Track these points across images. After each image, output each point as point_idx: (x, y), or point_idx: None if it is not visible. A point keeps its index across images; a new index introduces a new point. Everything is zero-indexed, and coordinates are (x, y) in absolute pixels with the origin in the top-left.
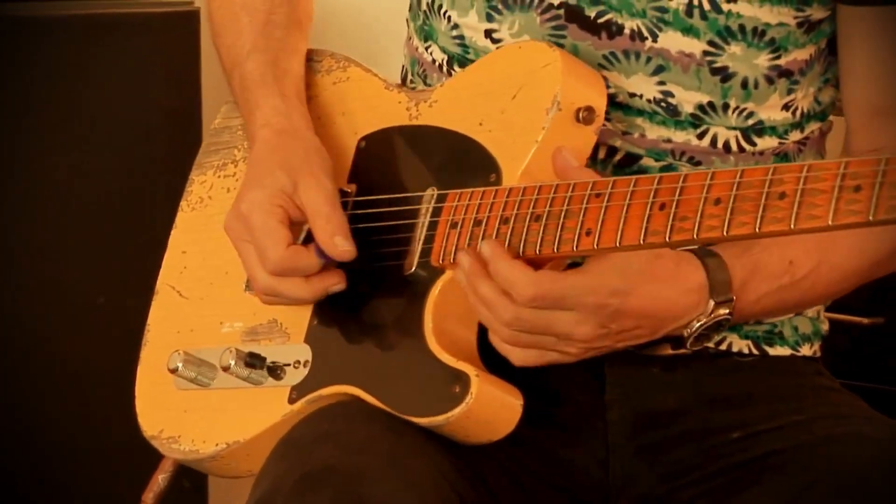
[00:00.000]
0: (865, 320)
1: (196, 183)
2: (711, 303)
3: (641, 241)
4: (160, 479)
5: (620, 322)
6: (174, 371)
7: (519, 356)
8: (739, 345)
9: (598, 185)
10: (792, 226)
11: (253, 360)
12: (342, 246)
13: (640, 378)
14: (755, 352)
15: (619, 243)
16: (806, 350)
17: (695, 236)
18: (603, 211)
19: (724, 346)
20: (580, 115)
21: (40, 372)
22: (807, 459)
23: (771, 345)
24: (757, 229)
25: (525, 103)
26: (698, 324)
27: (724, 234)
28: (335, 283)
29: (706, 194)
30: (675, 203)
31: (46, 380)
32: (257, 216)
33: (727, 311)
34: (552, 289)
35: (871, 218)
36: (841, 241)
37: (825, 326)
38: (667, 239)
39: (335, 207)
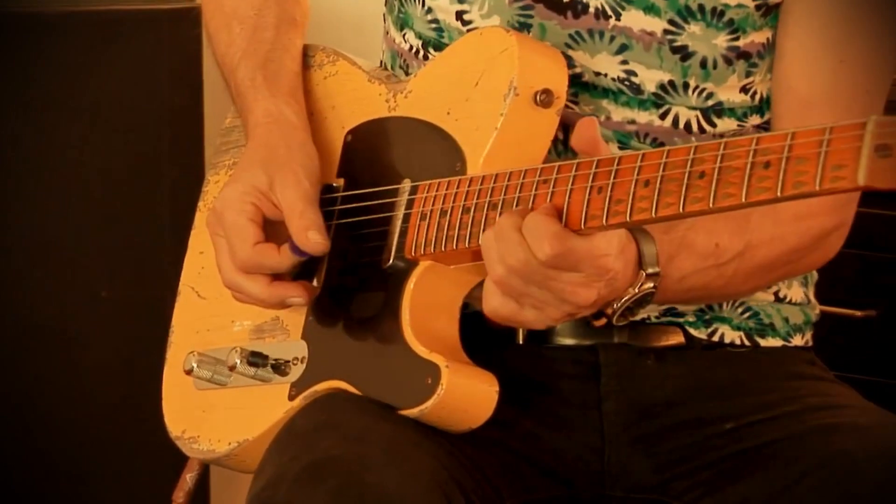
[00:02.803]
0: (858, 313)
1: (211, 183)
2: (643, 274)
3: (582, 226)
4: (188, 478)
5: (609, 289)
6: (189, 372)
7: (494, 304)
8: (731, 336)
9: (545, 171)
10: (711, 204)
11: (256, 359)
12: (314, 238)
13: (635, 369)
14: (747, 343)
15: None
16: (797, 340)
17: (627, 218)
18: (549, 197)
19: (716, 338)
20: (538, 98)
21: (43, 365)
22: (800, 449)
23: (763, 336)
24: (681, 209)
25: (486, 90)
26: (627, 296)
27: (653, 215)
28: (295, 294)
29: (637, 176)
30: (610, 186)
31: (49, 373)
32: (229, 213)
33: (653, 284)
34: (574, 247)
35: (779, 194)
36: (761, 230)
37: (816, 311)
38: (604, 222)
39: (309, 204)
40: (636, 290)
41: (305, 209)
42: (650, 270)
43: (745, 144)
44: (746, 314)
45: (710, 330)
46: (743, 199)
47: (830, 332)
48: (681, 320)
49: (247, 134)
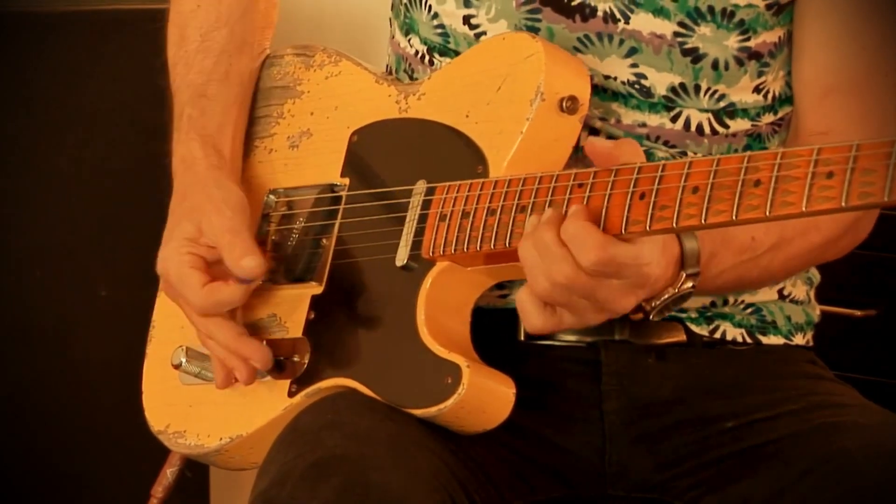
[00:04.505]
0: (858, 312)
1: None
2: (683, 274)
3: (623, 231)
4: (168, 472)
5: (648, 292)
6: (178, 367)
7: (537, 321)
8: (733, 333)
9: (581, 175)
10: (768, 213)
11: None
12: (247, 265)
13: (636, 368)
14: (748, 340)
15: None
16: (799, 339)
17: (674, 225)
18: (585, 201)
19: (717, 335)
20: (564, 104)
21: (42, 364)
22: (801, 448)
23: (764, 334)
24: (734, 217)
25: (510, 94)
26: (666, 295)
27: (702, 221)
28: (255, 355)
29: (684, 182)
30: (654, 192)
31: (48, 372)
32: (172, 270)
33: (692, 284)
34: (618, 254)
35: (843, 204)
36: (795, 224)
37: (816, 312)
38: (647, 228)
39: (235, 233)
40: (676, 290)
41: (233, 239)
42: (690, 271)
43: (804, 154)
44: (749, 310)
45: (711, 327)
46: (804, 208)
47: (830, 332)
48: (682, 316)
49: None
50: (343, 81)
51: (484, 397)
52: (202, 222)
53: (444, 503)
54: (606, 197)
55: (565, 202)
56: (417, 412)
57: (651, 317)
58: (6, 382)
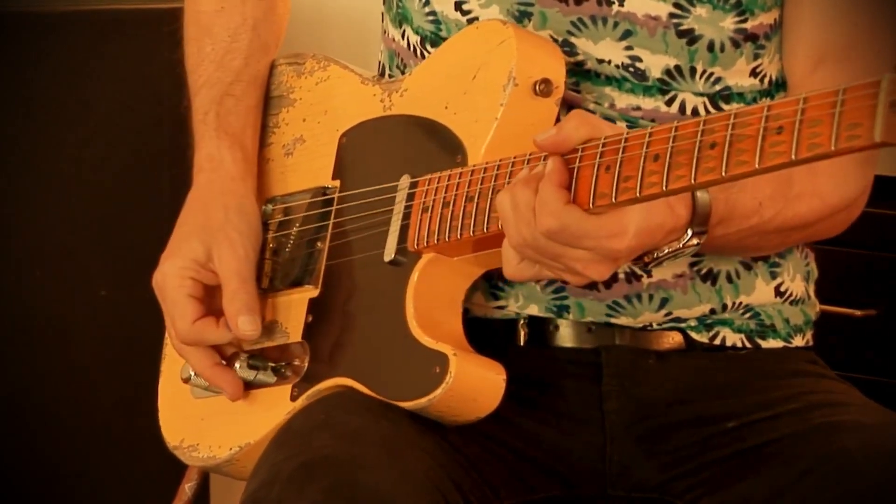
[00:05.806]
0: (858, 312)
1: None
2: (689, 232)
3: (591, 205)
4: (187, 487)
5: (629, 257)
6: (186, 380)
7: (512, 269)
8: (733, 339)
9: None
10: (723, 173)
11: (255, 362)
12: (244, 326)
13: (637, 369)
14: (748, 345)
15: None
16: (798, 341)
17: (638, 194)
18: None
19: (717, 342)
20: (537, 87)
21: (42, 364)
22: (802, 448)
23: (764, 338)
24: (693, 181)
25: (484, 82)
26: (669, 249)
27: (664, 189)
28: (227, 388)
29: (646, 150)
30: (618, 163)
31: (48, 372)
32: (169, 288)
33: (698, 241)
34: (572, 225)
35: (793, 157)
36: (802, 185)
37: (815, 309)
38: (613, 200)
39: (244, 281)
40: (680, 245)
41: (238, 289)
42: (698, 229)
43: (756, 112)
44: (748, 315)
45: (711, 334)
46: (757, 166)
47: (830, 332)
48: (682, 325)
49: (192, 174)
50: (332, 86)
51: (473, 384)
52: (213, 248)
53: (437, 503)
54: (575, 171)
55: None
56: (409, 405)
57: (649, 266)
58: (6, 382)
